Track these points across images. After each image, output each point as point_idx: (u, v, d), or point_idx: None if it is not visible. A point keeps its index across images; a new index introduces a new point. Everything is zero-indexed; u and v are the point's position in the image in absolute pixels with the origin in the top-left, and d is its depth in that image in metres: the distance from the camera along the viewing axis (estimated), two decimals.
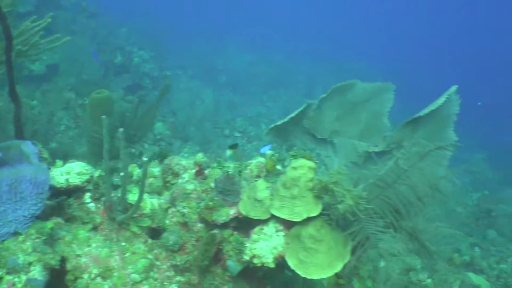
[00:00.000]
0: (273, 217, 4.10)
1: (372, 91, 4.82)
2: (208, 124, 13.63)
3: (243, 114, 16.13)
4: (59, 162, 4.42)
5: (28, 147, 4.29)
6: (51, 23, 5.01)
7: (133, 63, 15.01)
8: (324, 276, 3.96)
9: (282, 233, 4.08)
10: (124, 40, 16.00)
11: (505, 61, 46.80)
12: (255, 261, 4.00)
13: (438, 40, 50.43)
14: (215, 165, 4.51)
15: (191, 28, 26.30)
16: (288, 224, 4.10)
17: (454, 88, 4.33)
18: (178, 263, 4.32)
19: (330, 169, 3.95)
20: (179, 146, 11.95)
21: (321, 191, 3.92)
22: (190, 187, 4.36)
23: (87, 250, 4.21)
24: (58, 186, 4.24)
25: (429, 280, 7.67)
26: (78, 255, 4.15)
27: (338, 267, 4.01)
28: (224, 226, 4.28)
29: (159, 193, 4.70)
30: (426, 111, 4.29)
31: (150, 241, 4.42)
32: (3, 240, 3.72)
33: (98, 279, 4.13)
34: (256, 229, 4.14)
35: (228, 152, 5.09)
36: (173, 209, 4.41)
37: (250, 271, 4.37)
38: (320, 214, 4.03)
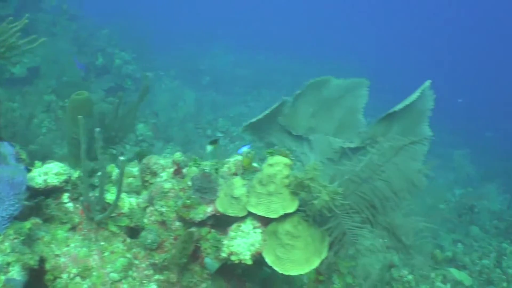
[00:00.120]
0: (250, 214, 4.11)
1: (347, 87, 4.84)
2: (190, 125, 13.63)
3: (225, 114, 16.14)
4: (38, 163, 4.41)
5: (5, 148, 4.29)
6: (32, 26, 5.01)
7: (115, 65, 14.98)
8: (302, 272, 3.97)
9: (259, 230, 4.09)
10: (105, 42, 15.95)
11: (487, 58, 47.13)
12: (233, 258, 4.01)
13: (419, 38, 50.73)
14: (191, 163, 4.51)
15: (174, 29, 26.34)
16: (265, 221, 4.12)
17: (428, 83, 4.35)
18: (157, 261, 4.33)
19: (306, 165, 3.96)
20: (161, 147, 11.95)
21: (297, 188, 3.94)
22: (167, 185, 4.37)
23: (66, 250, 4.21)
24: (36, 186, 4.23)
25: (410, 276, 7.70)
26: (57, 255, 4.16)
27: (315, 263, 4.03)
28: (201, 224, 4.29)
29: (138, 193, 4.71)
30: (400, 106, 4.31)
31: (128, 240, 4.43)
32: None
33: (77, 279, 4.14)
34: (234, 226, 4.16)
35: (209, 148, 5.10)
36: (151, 208, 4.42)
37: (229, 269, 4.38)
38: (297, 211, 4.05)
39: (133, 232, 4.49)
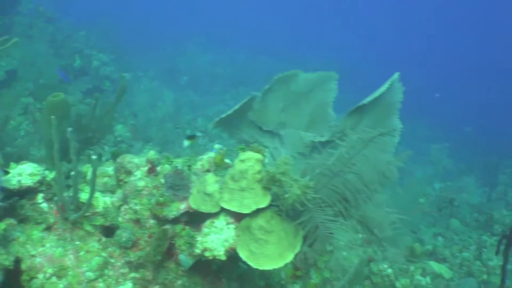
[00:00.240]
0: (223, 210, 4.13)
1: (315, 81, 4.84)
2: (169, 125, 13.61)
3: (204, 113, 16.12)
4: (13, 165, 4.42)
5: None
6: (8, 29, 5.01)
7: (93, 66, 14.96)
8: (276, 267, 4.00)
9: (232, 226, 4.12)
10: (83, 43, 15.92)
11: (465, 53, 47.40)
12: (207, 254, 4.03)
13: (397, 34, 50.92)
14: (164, 160, 4.52)
15: (152, 30, 26.23)
16: (238, 217, 4.15)
17: (396, 75, 4.36)
18: (132, 259, 4.34)
19: (277, 160, 3.98)
20: (140, 147, 11.92)
21: (269, 182, 3.97)
22: (141, 184, 4.38)
23: (41, 250, 4.22)
24: (11, 187, 4.23)
25: (390, 270, 7.74)
26: (33, 255, 4.17)
27: (289, 258, 4.05)
28: (175, 221, 4.30)
29: (113, 192, 4.71)
30: (369, 98, 4.32)
31: (104, 239, 4.43)
32: None
33: (53, 279, 4.15)
34: (207, 222, 4.17)
35: (186, 143, 5.12)
36: (126, 207, 4.42)
37: (204, 265, 4.40)
38: (270, 205, 4.07)
39: (108, 231, 4.49)
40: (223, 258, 4.02)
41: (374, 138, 3.97)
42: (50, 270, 4.15)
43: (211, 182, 4.14)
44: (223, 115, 4.87)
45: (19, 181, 4.26)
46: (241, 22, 38.72)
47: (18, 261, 4.09)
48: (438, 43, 51.37)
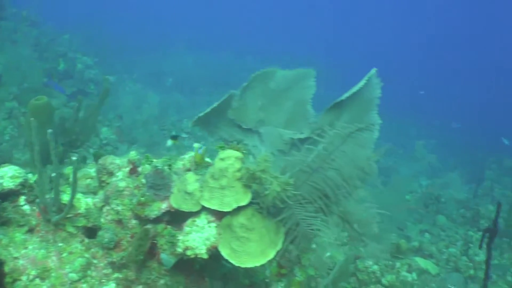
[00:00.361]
0: (204, 208, 4.15)
1: (293, 78, 4.83)
2: (155, 127, 13.60)
3: (190, 114, 16.07)
4: None
5: None
6: None
7: (77, 70, 14.94)
8: (258, 264, 4.01)
9: (214, 224, 4.13)
10: (67, 47, 15.91)
11: (449, 51, 47.64)
12: (188, 253, 4.04)
13: (382, 30, 51.11)
14: (144, 160, 4.53)
15: (137, 32, 26.21)
16: (219, 215, 4.16)
17: (373, 70, 4.35)
18: (115, 260, 4.35)
19: (257, 157, 4.00)
20: (126, 149, 11.89)
21: (249, 180, 3.98)
22: (122, 184, 4.39)
23: (24, 252, 4.22)
24: None
25: (376, 267, 7.78)
26: (16, 258, 4.17)
27: (271, 255, 4.07)
28: (157, 220, 4.31)
29: (96, 193, 4.72)
30: (347, 94, 4.31)
31: (86, 240, 4.44)
32: None
33: (37, 280, 4.15)
34: (189, 221, 4.19)
35: (169, 142, 5.13)
36: (108, 207, 4.43)
37: (187, 264, 4.41)
38: (251, 203, 4.09)
39: (91, 232, 4.50)
40: (205, 256, 4.04)
41: (352, 133, 3.99)
42: (33, 272, 4.15)
43: (192, 181, 4.16)
44: (201, 114, 4.87)
45: (0, 184, 4.26)
46: (226, 23, 38.78)
47: (1, 263, 4.09)
48: (424, 41, 51.59)
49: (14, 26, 14.51)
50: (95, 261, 4.38)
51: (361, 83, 4.28)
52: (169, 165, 4.48)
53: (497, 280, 9.15)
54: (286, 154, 4.54)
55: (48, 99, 4.69)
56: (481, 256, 9.72)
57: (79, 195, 4.45)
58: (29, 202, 4.42)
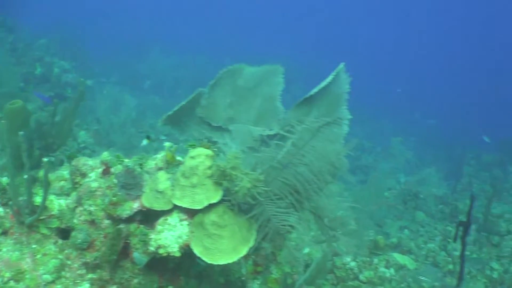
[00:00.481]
0: (176, 207, 4.17)
1: (261, 75, 4.83)
2: (133, 130, 13.56)
3: None
4: None
5: None
6: None
7: (54, 74, 14.89)
8: (230, 261, 4.03)
9: (186, 222, 4.15)
10: (44, 51, 15.87)
11: (428, 48, 47.93)
12: (161, 251, 4.06)
13: (361, 30, 51.33)
14: (115, 160, 4.54)
15: (114, 36, 26.17)
16: (191, 213, 4.18)
17: (341, 65, 4.37)
18: (89, 260, 4.35)
19: (227, 154, 4.02)
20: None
21: (220, 177, 4.01)
22: (94, 184, 4.39)
23: None
24: None
25: (353, 263, 7.82)
26: None
27: (243, 251, 4.09)
28: (130, 220, 4.33)
29: (69, 195, 4.72)
30: (315, 89, 4.32)
31: (60, 241, 4.44)
32: None
33: (11, 283, 4.15)
34: (161, 220, 4.21)
35: (145, 142, 5.14)
36: (80, 208, 4.43)
37: (161, 263, 4.44)
38: (222, 200, 4.12)
39: (65, 233, 4.50)
40: (177, 254, 4.06)
41: (321, 128, 4.03)
42: (7, 274, 4.15)
43: (163, 180, 4.18)
44: (170, 112, 4.88)
45: None
46: (204, 26, 38.77)
47: None
48: (401, 38, 51.84)
49: None
50: (69, 262, 4.39)
51: (329, 78, 4.30)
52: (141, 165, 4.50)
53: (477, 274, 9.21)
54: (257, 151, 4.55)
55: (23, 103, 4.69)
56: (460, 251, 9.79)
57: (52, 197, 4.45)
58: (3, 204, 4.43)
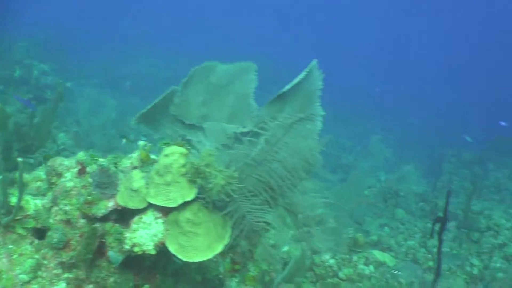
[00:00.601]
0: (151, 205, 4.19)
1: (234, 72, 4.83)
2: (113, 131, 13.54)
3: None
4: None
5: None
6: None
7: (33, 76, 14.86)
8: (205, 258, 4.05)
9: (161, 220, 4.17)
10: (23, 54, 15.82)
11: (408, 46, 48.13)
12: (136, 249, 4.08)
13: (340, 29, 51.46)
14: (89, 159, 4.55)
15: (94, 38, 26.11)
16: (166, 211, 4.20)
17: (314, 62, 4.40)
18: (65, 260, 4.35)
19: (201, 152, 4.05)
20: None
21: (194, 175, 4.03)
22: (69, 184, 4.40)
23: None
24: None
25: (332, 261, 7.85)
26: None
27: (218, 249, 4.12)
28: (105, 219, 4.34)
29: (45, 195, 4.72)
30: (288, 86, 4.33)
31: (36, 241, 4.45)
32: None
33: None
34: (136, 218, 4.22)
35: (123, 141, 5.15)
36: (56, 208, 4.43)
37: (137, 261, 4.45)
38: (197, 198, 4.14)
39: (41, 233, 4.50)
40: (153, 252, 4.08)
41: (294, 124, 4.06)
42: None
43: (137, 178, 4.19)
44: (144, 110, 4.89)
45: None
46: (184, 27, 38.75)
47: None
48: (382, 35, 52.02)
49: None
50: (45, 262, 4.39)
51: (302, 74, 4.32)
52: (115, 164, 4.52)
53: (456, 270, 9.26)
54: (230, 148, 4.57)
55: (2, 105, 4.70)
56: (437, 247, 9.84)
57: (28, 197, 4.46)
58: None
